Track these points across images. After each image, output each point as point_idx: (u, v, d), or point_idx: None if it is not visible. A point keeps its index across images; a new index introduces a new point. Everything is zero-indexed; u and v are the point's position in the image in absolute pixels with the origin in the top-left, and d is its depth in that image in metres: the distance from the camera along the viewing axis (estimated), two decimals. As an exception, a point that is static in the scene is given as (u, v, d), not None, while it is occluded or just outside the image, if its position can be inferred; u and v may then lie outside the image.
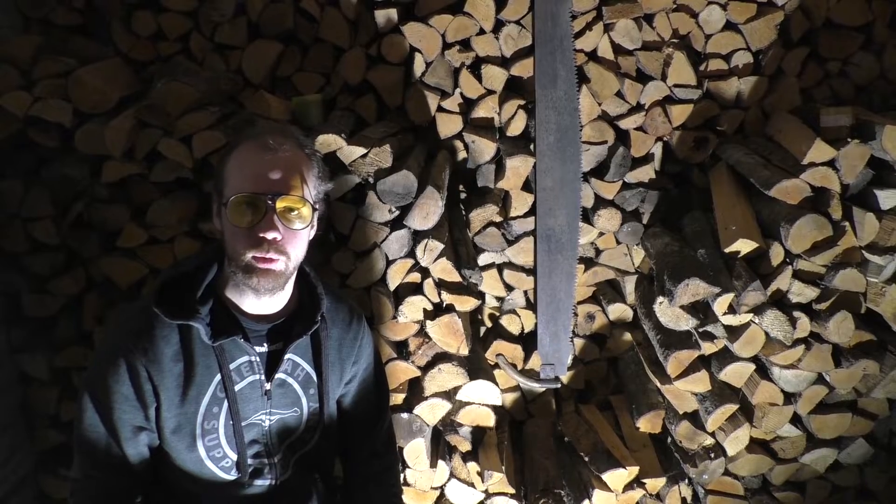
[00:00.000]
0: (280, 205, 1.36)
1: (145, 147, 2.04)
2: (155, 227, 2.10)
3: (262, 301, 1.46)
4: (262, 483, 1.53)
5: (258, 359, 1.48)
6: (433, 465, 2.25)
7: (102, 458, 1.41)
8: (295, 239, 1.41)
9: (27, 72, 2.06)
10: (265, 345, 1.51)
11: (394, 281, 2.19)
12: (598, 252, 2.50)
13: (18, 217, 2.06)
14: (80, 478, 1.44)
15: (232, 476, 1.49)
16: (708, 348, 2.26)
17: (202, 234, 2.13)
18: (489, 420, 2.31)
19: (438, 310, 2.22)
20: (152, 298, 1.41)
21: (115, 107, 2.06)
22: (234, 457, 1.49)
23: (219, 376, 1.45)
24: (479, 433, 2.35)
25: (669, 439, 2.44)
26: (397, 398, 2.24)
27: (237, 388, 1.47)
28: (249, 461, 1.50)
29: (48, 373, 2.18)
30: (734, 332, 2.18)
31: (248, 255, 1.36)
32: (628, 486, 2.25)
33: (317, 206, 1.46)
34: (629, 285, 2.51)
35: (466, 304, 2.21)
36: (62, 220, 2.09)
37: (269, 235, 1.35)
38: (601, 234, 2.45)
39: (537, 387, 2.50)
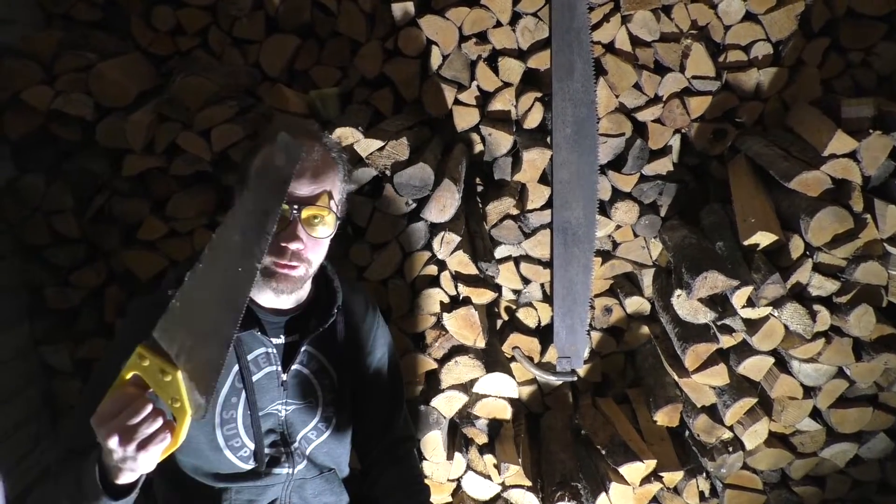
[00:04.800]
0: (305, 214, 1.38)
1: (165, 141, 2.06)
2: (174, 219, 2.12)
3: (279, 297, 1.49)
4: (278, 472, 1.55)
5: (275, 350, 1.51)
6: (450, 457, 2.25)
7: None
8: (317, 246, 1.43)
9: (49, 67, 2.09)
10: (282, 336, 1.53)
11: (411, 273, 2.20)
12: (616, 245, 2.49)
13: (40, 210, 2.09)
14: (65, 452, 1.43)
15: (249, 465, 1.51)
16: (726, 341, 2.24)
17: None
18: (506, 412, 2.31)
19: (455, 302, 2.23)
20: (170, 292, 1.42)
21: (134, 101, 2.09)
22: (252, 446, 1.50)
23: (236, 367, 1.47)
24: (495, 426, 2.36)
25: (687, 433, 2.43)
26: (414, 390, 2.25)
27: (254, 378, 1.49)
28: (266, 450, 1.52)
29: (71, 364, 2.22)
30: (753, 326, 2.16)
31: (269, 261, 1.39)
32: (645, 480, 2.24)
33: (340, 215, 1.48)
34: (647, 278, 2.49)
35: (483, 296, 2.21)
36: (83, 214, 2.12)
37: (293, 246, 1.38)
38: (618, 226, 2.44)
39: (554, 380, 2.49)
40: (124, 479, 1.18)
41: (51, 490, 1.38)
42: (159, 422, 1.12)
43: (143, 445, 1.11)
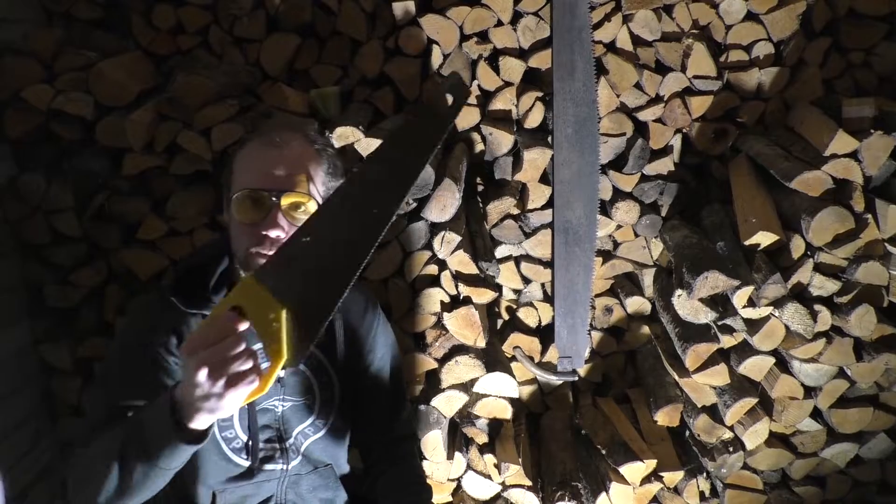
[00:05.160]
0: (285, 202, 1.37)
1: (165, 140, 2.06)
2: (174, 218, 2.13)
3: None
4: (272, 468, 1.55)
5: None
6: (450, 456, 2.25)
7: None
8: None
9: (49, 65, 2.09)
10: None
11: (411, 273, 2.20)
12: (616, 245, 2.49)
13: (41, 209, 2.09)
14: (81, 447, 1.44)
15: (243, 460, 1.52)
16: (727, 341, 2.24)
17: (221, 226, 2.15)
18: (506, 412, 2.31)
19: (455, 302, 2.23)
20: (169, 289, 1.43)
21: (135, 100, 2.09)
22: (244, 438, 1.51)
23: None
24: (495, 425, 2.36)
25: (687, 433, 2.43)
26: (414, 390, 2.25)
27: None
28: (261, 445, 1.52)
29: (70, 363, 2.21)
30: (754, 326, 2.16)
31: (251, 251, 1.38)
32: (646, 480, 2.25)
33: None
34: (647, 278, 2.49)
35: (483, 296, 2.21)
36: (83, 213, 2.12)
37: (273, 234, 1.36)
38: (619, 226, 2.43)
39: (554, 379, 2.49)
40: (198, 422, 1.11)
41: (94, 450, 1.29)
42: (252, 361, 1.06)
43: (232, 383, 1.04)
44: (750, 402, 2.21)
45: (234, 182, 1.42)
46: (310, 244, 1.05)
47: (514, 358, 2.45)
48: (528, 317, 2.47)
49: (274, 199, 1.36)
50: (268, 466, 1.55)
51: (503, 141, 2.29)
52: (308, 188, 1.41)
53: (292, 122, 1.53)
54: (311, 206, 1.41)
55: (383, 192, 1.09)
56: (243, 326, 1.06)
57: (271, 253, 1.37)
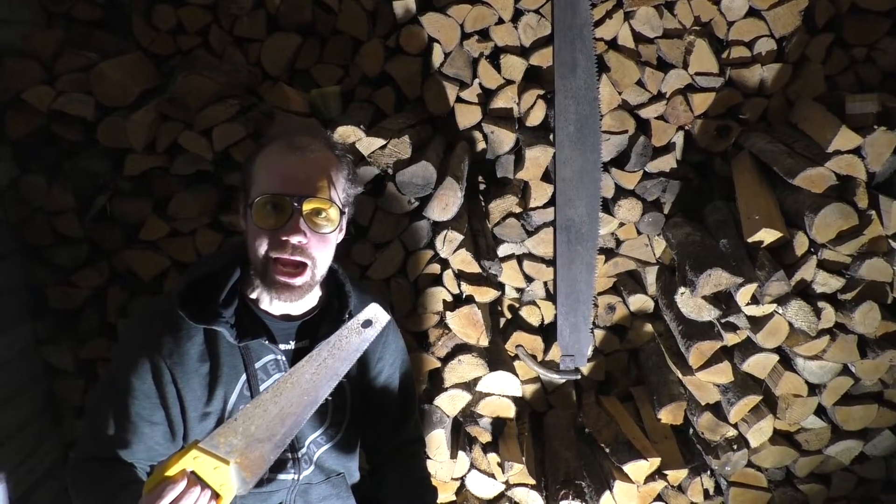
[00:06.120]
0: (307, 207, 1.34)
1: (166, 140, 2.06)
2: (176, 219, 2.12)
3: (286, 304, 1.46)
4: (284, 478, 1.53)
5: (283, 357, 1.49)
6: (453, 455, 2.25)
7: (108, 447, 1.41)
8: (321, 243, 1.39)
9: (50, 66, 2.09)
10: (291, 342, 1.51)
11: (413, 272, 2.20)
12: (619, 242, 2.48)
13: (42, 210, 2.08)
14: (81, 459, 1.44)
15: None
16: (730, 339, 2.23)
17: (223, 226, 2.15)
18: (509, 411, 2.31)
19: (458, 301, 2.22)
20: (177, 300, 1.40)
21: (136, 100, 2.08)
22: None
23: (244, 376, 1.45)
24: (499, 424, 2.35)
25: (691, 431, 2.42)
26: (418, 389, 2.25)
27: (262, 386, 1.46)
28: None
29: (73, 364, 2.22)
30: (757, 323, 2.16)
31: (271, 256, 1.35)
32: (650, 478, 2.24)
33: (345, 210, 1.44)
34: (650, 276, 2.49)
35: (486, 295, 2.21)
36: (85, 214, 2.12)
37: (294, 239, 1.33)
38: (622, 224, 2.43)
39: (557, 378, 2.49)
40: None
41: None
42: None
43: None
44: (754, 399, 2.20)
45: (253, 187, 1.39)
46: (247, 421, 1.24)
47: (516, 357, 2.44)
48: (530, 315, 2.47)
49: (296, 204, 1.33)
50: (279, 476, 1.53)
51: (505, 139, 2.29)
52: (329, 194, 1.38)
53: (310, 127, 1.49)
54: (333, 213, 1.38)
55: (308, 390, 1.29)
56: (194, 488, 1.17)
57: (292, 258, 1.35)
